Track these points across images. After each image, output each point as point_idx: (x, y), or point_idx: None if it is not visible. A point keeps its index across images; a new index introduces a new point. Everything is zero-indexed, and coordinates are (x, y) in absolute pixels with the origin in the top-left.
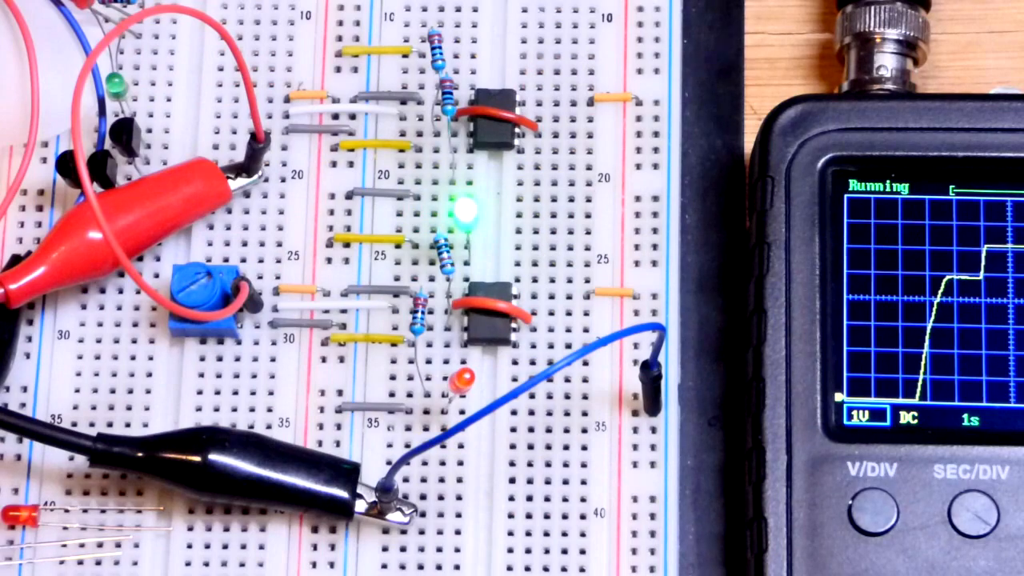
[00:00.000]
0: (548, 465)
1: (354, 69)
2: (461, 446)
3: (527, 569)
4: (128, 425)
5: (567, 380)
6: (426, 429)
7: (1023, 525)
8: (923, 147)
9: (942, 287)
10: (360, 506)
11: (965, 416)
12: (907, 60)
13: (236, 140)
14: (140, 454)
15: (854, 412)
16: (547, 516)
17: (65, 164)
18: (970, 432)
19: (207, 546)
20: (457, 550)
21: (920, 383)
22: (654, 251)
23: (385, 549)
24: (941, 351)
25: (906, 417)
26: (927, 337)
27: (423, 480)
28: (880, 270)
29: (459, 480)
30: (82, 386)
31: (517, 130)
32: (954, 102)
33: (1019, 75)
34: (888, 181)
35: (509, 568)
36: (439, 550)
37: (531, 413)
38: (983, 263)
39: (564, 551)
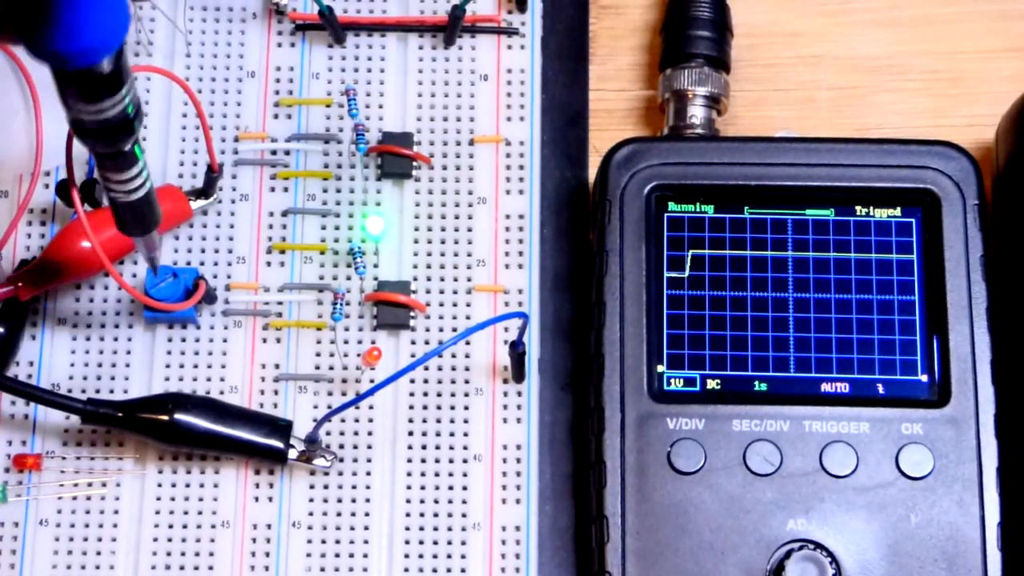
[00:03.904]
0: (438, 421)
1: (288, 116)
2: (371, 407)
3: (422, 502)
4: (112, 391)
5: (453, 356)
6: (344, 394)
7: (799, 465)
8: (724, 177)
9: (738, 284)
10: (292, 454)
11: (756, 383)
12: (712, 111)
13: (196, 170)
14: (121, 414)
15: (672, 380)
16: (437, 460)
17: (62, 189)
18: (760, 395)
19: (173, 485)
20: (368, 487)
21: (722, 357)
22: (520, 257)
23: (312, 487)
24: (738, 333)
25: (711, 384)
26: (727, 323)
27: (341, 433)
28: (691, 272)
29: (370, 433)
30: (76, 361)
31: (415, 164)
32: (748, 143)
33: (797, 123)
34: (698, 203)
35: (408, 501)
36: (354, 487)
37: (425, 381)
38: (769, 266)
39: (451, 487)
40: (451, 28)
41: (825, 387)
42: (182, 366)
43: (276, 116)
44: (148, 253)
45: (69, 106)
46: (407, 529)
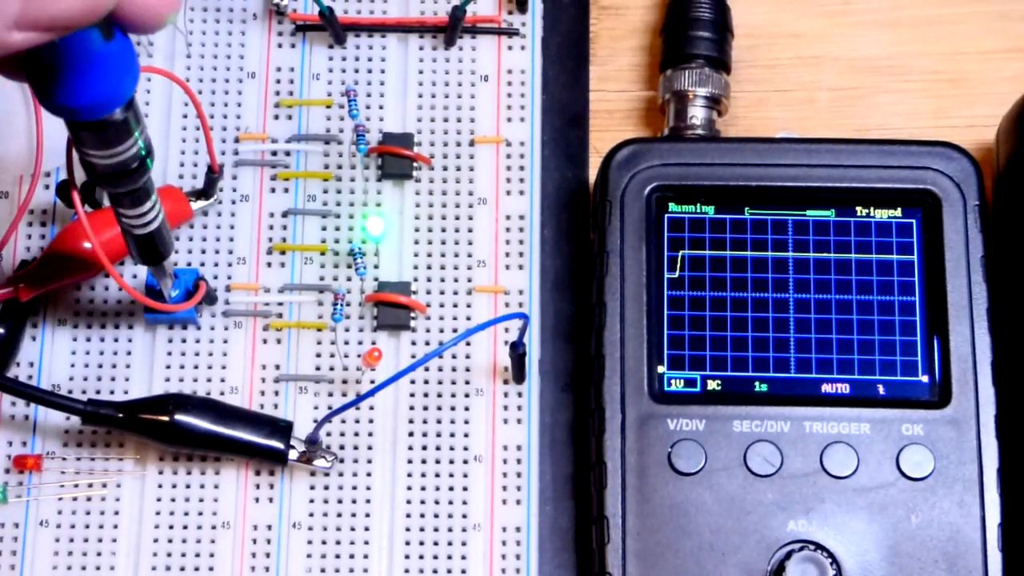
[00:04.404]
0: (439, 422)
1: (289, 116)
2: (372, 408)
3: (422, 503)
4: (112, 392)
5: (454, 357)
6: (344, 395)
7: (800, 466)
8: (725, 178)
9: (739, 285)
10: (293, 455)
11: (757, 383)
12: (713, 112)
13: (196, 171)
14: (121, 415)
15: (672, 380)
16: (438, 461)
17: (62, 190)
18: (760, 396)
19: (174, 486)
20: (368, 488)
21: (723, 358)
22: (520, 257)
23: (312, 488)
24: (738, 334)
25: (712, 384)
26: (728, 323)
27: (342, 434)
28: (691, 272)
29: (370, 434)
30: (76, 362)
31: (415, 164)
32: (748, 144)
33: (797, 123)
34: (698, 204)
35: (408, 502)
36: (354, 488)
37: (426, 382)
38: (770, 267)
39: (451, 488)
40: (451, 29)
41: (826, 388)
42: (182, 367)
43: (276, 117)
44: (162, 280)
45: (82, 152)
46: (407, 530)
